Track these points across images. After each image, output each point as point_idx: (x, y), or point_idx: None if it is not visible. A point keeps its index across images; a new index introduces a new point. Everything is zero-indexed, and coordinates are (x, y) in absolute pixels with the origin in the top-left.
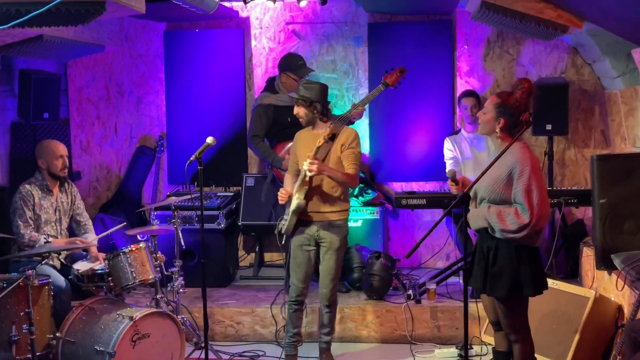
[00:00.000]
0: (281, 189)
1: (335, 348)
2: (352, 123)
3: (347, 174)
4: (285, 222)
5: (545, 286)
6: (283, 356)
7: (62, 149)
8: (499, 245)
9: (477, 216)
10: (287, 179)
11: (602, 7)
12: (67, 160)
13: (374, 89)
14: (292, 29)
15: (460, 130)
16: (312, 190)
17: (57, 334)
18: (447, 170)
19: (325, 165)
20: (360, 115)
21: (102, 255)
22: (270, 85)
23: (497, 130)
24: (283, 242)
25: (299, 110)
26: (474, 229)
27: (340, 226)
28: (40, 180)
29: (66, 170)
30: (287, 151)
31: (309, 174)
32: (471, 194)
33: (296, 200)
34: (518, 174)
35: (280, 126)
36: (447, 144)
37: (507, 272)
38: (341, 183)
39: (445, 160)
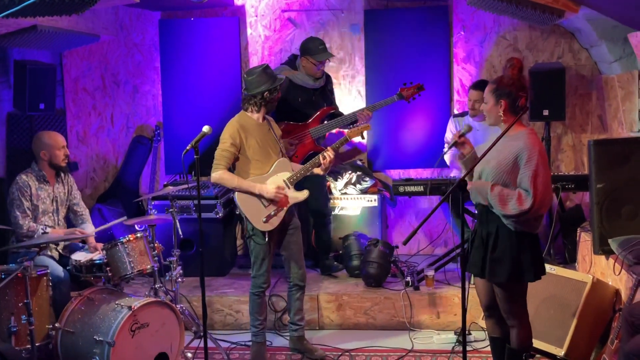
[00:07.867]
0: (278, 189)
1: (334, 335)
2: (356, 122)
3: None
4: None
5: (543, 271)
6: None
7: (62, 139)
8: (499, 231)
9: (479, 192)
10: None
11: None
12: (67, 150)
13: (387, 98)
14: (288, 16)
15: (467, 113)
16: None
17: (56, 325)
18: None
19: None
20: (367, 118)
21: (100, 245)
22: (292, 62)
23: (501, 113)
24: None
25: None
26: (473, 202)
27: None
28: (37, 170)
29: (67, 160)
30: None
31: None
32: (475, 175)
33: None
34: (526, 160)
35: (289, 106)
36: (451, 126)
37: (507, 257)
38: None
39: (445, 140)
